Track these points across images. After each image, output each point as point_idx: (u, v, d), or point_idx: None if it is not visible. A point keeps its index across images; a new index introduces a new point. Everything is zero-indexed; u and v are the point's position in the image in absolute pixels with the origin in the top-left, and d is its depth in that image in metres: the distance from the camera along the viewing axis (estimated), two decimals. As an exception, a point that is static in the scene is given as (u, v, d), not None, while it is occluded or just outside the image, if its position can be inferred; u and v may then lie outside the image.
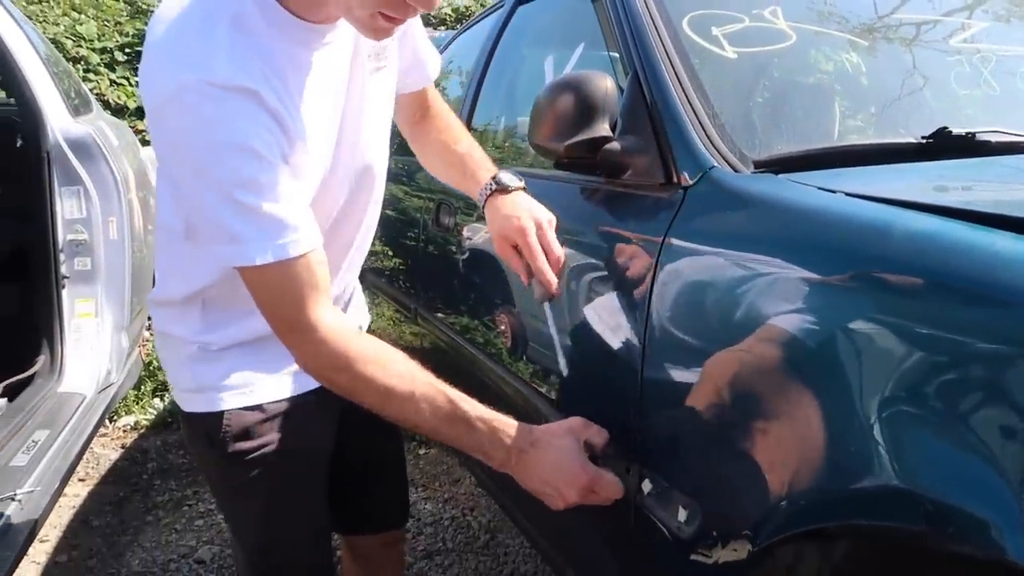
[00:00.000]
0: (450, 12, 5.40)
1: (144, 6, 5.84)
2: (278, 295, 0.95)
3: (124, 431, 3.37)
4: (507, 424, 1.00)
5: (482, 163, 1.29)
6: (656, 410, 1.01)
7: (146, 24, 4.61)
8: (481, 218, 1.77)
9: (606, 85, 1.18)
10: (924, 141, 1.03)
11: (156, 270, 1.18)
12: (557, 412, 1.25)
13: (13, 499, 1.49)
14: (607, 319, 1.13)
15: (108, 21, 5.53)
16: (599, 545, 1.18)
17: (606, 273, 1.16)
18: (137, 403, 3.51)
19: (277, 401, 1.15)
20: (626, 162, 1.18)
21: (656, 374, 1.00)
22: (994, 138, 1.03)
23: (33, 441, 1.75)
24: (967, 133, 1.03)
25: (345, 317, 1.03)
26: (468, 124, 2.10)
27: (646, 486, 1.01)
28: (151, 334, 3.59)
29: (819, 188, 0.91)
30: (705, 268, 0.97)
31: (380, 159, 1.17)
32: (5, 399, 1.96)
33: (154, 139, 0.95)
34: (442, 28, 6.34)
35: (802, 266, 0.84)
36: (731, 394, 0.87)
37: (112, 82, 5.22)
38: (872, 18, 1.50)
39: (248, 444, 1.13)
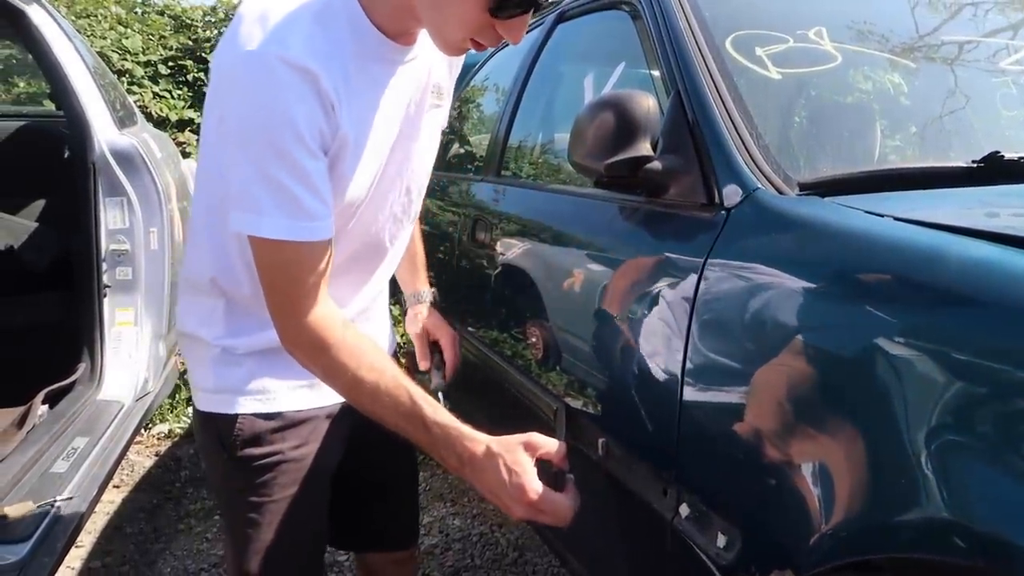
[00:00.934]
0: None
1: (188, 21, 5.96)
2: (281, 272, 0.98)
3: (159, 439, 3.41)
4: (462, 433, 1.01)
5: (422, 267, 1.50)
6: (695, 432, 1.00)
7: (189, 38, 4.69)
8: (515, 234, 1.77)
9: (648, 104, 1.18)
10: (975, 165, 1.01)
11: (187, 246, 1.20)
12: (594, 425, 1.24)
13: (53, 505, 1.51)
14: (647, 339, 1.12)
15: (153, 35, 5.65)
16: (634, 568, 1.17)
17: (646, 293, 1.15)
18: (172, 411, 3.56)
19: (291, 412, 1.17)
20: (667, 182, 1.17)
21: (696, 396, 0.99)
22: (1048, 163, 1.00)
23: (73, 448, 1.78)
24: (1020, 158, 1.00)
25: (337, 308, 1.05)
26: (505, 140, 2.11)
27: (683, 510, 1.00)
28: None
29: (866, 212, 0.89)
30: (748, 290, 0.96)
31: (419, 189, 1.20)
32: (46, 406, 2.00)
33: (210, 104, 0.99)
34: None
35: (850, 291, 0.83)
36: (772, 419, 0.86)
37: (155, 95, 5.33)
38: (917, 38, 1.48)
39: (256, 451, 1.15)
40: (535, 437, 1.03)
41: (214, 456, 1.19)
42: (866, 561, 0.72)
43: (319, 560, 1.31)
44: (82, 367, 2.21)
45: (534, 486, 0.99)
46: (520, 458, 1.00)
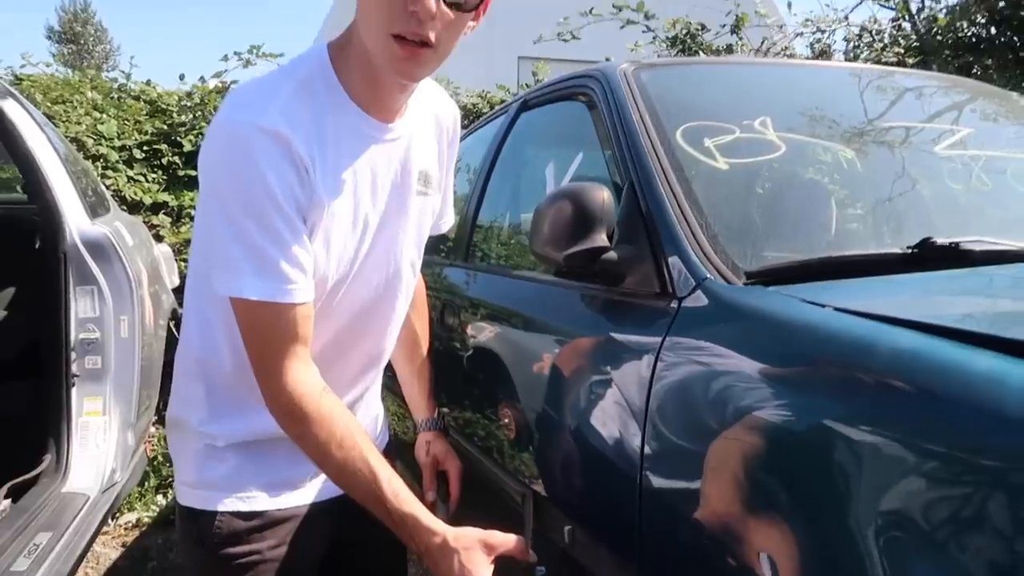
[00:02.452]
0: (487, 109, 5.66)
1: (164, 106, 6.05)
2: (260, 333, 1.02)
3: (126, 528, 3.33)
4: (419, 522, 1.06)
5: (432, 391, 1.53)
6: (655, 517, 1.01)
7: (164, 123, 4.76)
8: (486, 318, 1.80)
9: (603, 196, 1.23)
10: (910, 251, 1.07)
11: (180, 330, 1.22)
12: (559, 512, 1.25)
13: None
14: (607, 423, 1.14)
15: (128, 120, 5.73)
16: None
17: (606, 378, 1.18)
18: (140, 499, 3.48)
19: (272, 511, 1.17)
20: (624, 271, 1.21)
21: (654, 480, 1.01)
22: (977, 247, 1.06)
23: (35, 544, 1.75)
24: (950, 243, 1.06)
25: (317, 374, 1.07)
26: (473, 224, 2.16)
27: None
28: (156, 428, 3.58)
29: (808, 302, 0.94)
30: (699, 376, 0.99)
31: (409, 274, 1.23)
32: (9, 500, 1.96)
33: (199, 173, 1.03)
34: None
35: (791, 378, 0.86)
36: (721, 502, 0.88)
37: (129, 179, 5.38)
38: (861, 126, 1.56)
39: (235, 549, 1.15)
40: (493, 536, 1.07)
41: (192, 552, 1.19)
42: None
43: None
44: (47, 459, 2.18)
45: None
46: (474, 556, 1.04)
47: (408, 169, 1.14)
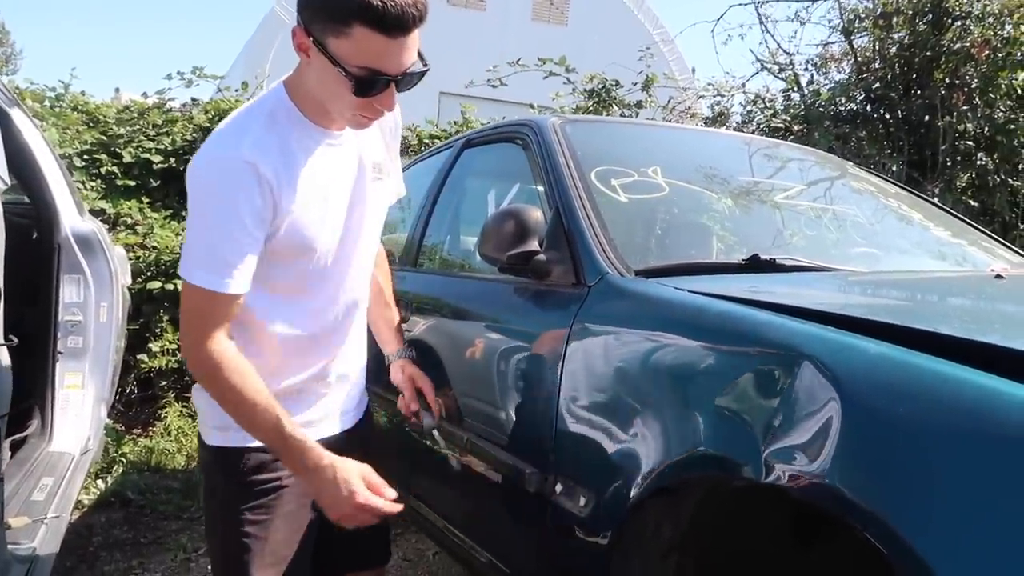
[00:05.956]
0: (415, 140, 6.07)
1: (101, 118, 6.24)
2: (194, 312, 1.30)
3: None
4: (311, 447, 1.30)
5: (400, 330, 1.81)
6: (567, 438, 1.48)
7: (102, 134, 4.97)
8: (431, 312, 2.24)
9: (537, 215, 1.71)
10: (744, 262, 1.59)
11: None
12: (503, 450, 1.69)
13: (43, 522, 1.80)
14: (534, 375, 1.61)
15: (68, 129, 5.91)
16: (519, 535, 1.61)
17: (533, 347, 1.65)
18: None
19: None
20: (550, 269, 1.68)
21: (566, 412, 1.48)
22: (787, 262, 1.59)
23: (43, 484, 2.06)
24: (770, 258, 1.58)
25: (231, 345, 1.30)
26: (421, 238, 2.60)
27: (558, 488, 1.47)
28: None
29: (675, 288, 1.43)
30: (600, 340, 1.47)
31: (375, 240, 1.54)
32: (10, 453, 2.26)
33: (188, 190, 1.29)
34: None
35: (660, 334, 1.35)
36: (611, 415, 1.36)
37: (69, 185, 5.54)
38: (725, 177, 2.11)
39: (260, 476, 1.40)
40: (371, 474, 1.34)
41: (221, 485, 1.43)
42: (664, 487, 1.22)
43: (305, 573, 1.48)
44: (34, 423, 2.47)
45: (355, 499, 1.29)
46: (352, 477, 1.31)
47: (363, 162, 1.43)
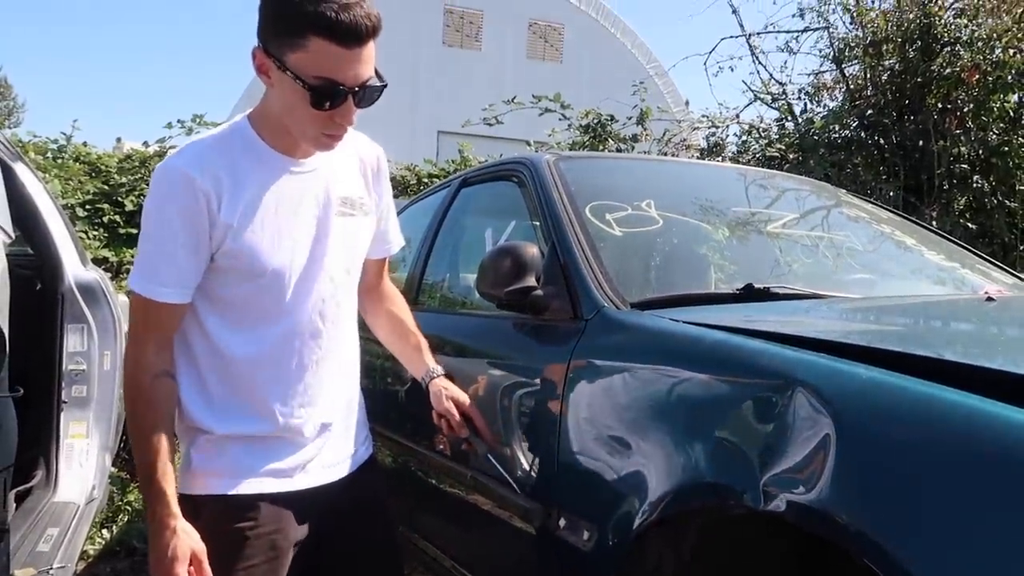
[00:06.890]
0: (414, 180, 6.15)
1: (103, 167, 6.34)
2: (135, 318, 1.36)
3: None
4: (168, 500, 1.29)
5: (426, 349, 1.74)
6: (569, 471, 1.48)
7: (104, 183, 5.05)
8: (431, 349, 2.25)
9: (533, 251, 1.73)
10: (738, 291, 1.60)
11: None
12: (506, 486, 1.69)
13: (49, 573, 1.80)
14: (536, 406, 1.62)
15: (71, 180, 6.00)
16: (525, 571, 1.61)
17: (535, 379, 1.66)
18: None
19: (261, 494, 1.37)
20: (547, 304, 1.70)
21: (567, 446, 1.48)
22: (781, 291, 1.60)
23: (48, 535, 2.06)
24: (764, 287, 1.60)
25: (164, 358, 1.34)
26: (421, 275, 2.63)
27: (562, 522, 1.47)
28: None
29: (670, 319, 1.45)
30: (598, 373, 1.48)
31: (343, 275, 1.46)
32: (15, 504, 2.26)
33: None
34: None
35: (655, 364, 1.37)
36: (612, 447, 1.36)
37: (73, 235, 5.60)
38: (717, 208, 2.14)
39: (228, 527, 1.35)
40: (203, 554, 1.29)
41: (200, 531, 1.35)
42: (665, 518, 1.22)
43: None
44: (39, 474, 2.48)
45: (180, 568, 1.26)
46: (181, 551, 1.27)
47: (329, 195, 1.40)
